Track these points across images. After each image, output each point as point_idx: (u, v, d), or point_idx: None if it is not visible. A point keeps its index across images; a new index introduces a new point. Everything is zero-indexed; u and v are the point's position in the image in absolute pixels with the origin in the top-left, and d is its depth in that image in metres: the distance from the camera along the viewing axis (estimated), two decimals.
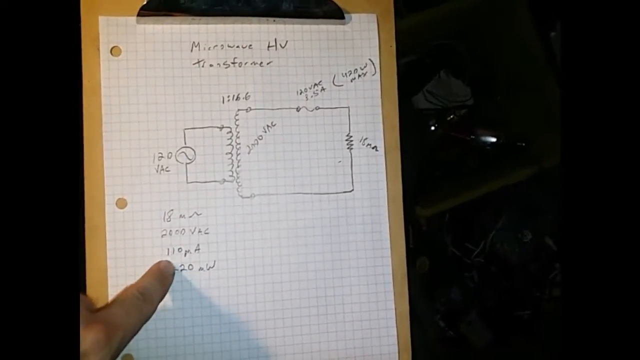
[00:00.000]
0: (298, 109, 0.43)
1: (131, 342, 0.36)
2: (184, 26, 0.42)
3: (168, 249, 0.41)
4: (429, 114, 1.04)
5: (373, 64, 0.45)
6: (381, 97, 0.45)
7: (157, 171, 0.41)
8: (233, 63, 0.43)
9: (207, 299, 0.41)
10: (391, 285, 0.44)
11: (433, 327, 1.02)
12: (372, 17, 0.45)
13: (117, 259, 0.40)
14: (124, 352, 0.38)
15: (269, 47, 0.43)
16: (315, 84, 0.44)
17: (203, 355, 0.41)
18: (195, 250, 0.41)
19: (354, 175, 0.44)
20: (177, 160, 0.41)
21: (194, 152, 0.42)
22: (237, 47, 0.43)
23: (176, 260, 0.41)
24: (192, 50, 0.42)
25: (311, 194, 0.43)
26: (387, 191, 0.44)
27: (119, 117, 0.41)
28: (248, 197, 0.42)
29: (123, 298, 0.37)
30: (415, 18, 0.85)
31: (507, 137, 0.99)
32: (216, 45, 0.42)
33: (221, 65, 0.42)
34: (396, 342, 0.43)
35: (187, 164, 0.41)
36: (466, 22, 0.98)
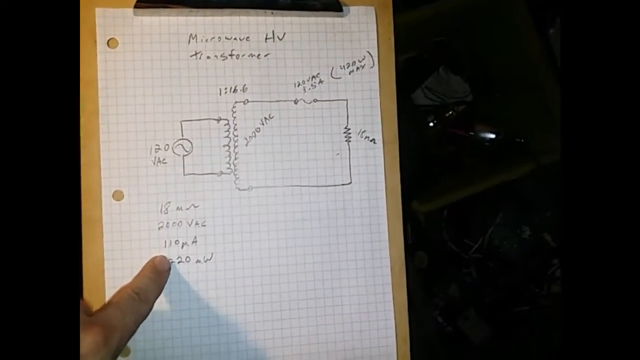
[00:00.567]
0: (296, 102, 0.43)
1: None
2: (181, 18, 0.42)
3: (165, 241, 0.40)
4: (427, 110, 1.04)
5: (371, 56, 0.44)
6: (379, 90, 0.44)
7: (154, 163, 0.41)
8: (230, 55, 0.42)
9: (204, 291, 0.41)
10: (389, 277, 0.44)
11: (431, 323, 1.02)
12: (371, 10, 0.45)
13: (114, 251, 0.40)
14: None
15: (266, 39, 0.43)
16: (313, 77, 0.44)
17: (200, 347, 0.40)
18: (193, 242, 0.41)
19: (352, 168, 0.44)
20: (174, 152, 0.41)
21: (191, 144, 0.41)
22: (235, 39, 0.43)
23: (173, 253, 0.41)
24: (189, 42, 0.42)
25: (309, 186, 0.43)
26: (385, 183, 0.44)
27: (116, 109, 0.41)
28: (245, 190, 0.42)
29: (119, 299, 0.37)
30: (413, 14, 0.84)
31: (506, 133, 0.99)
32: (213, 37, 0.42)
33: (218, 57, 0.42)
34: (394, 334, 0.43)
35: (184, 156, 0.41)
36: (465, 19, 0.98)
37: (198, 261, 0.41)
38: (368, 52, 0.44)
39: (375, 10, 0.45)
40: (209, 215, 0.41)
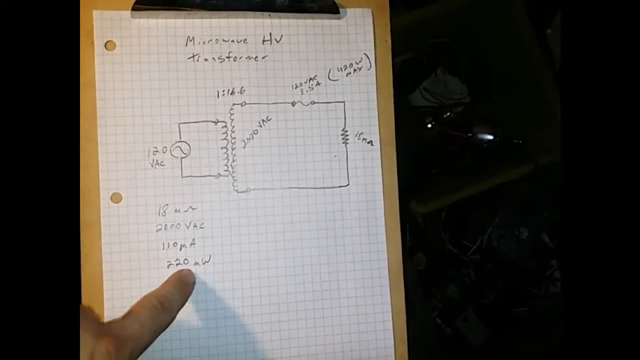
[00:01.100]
0: (293, 104, 0.43)
1: None
2: (179, 20, 0.42)
3: (163, 244, 0.40)
4: (425, 112, 1.05)
5: (368, 58, 0.45)
6: (376, 92, 0.45)
7: (152, 165, 0.41)
8: (228, 57, 0.43)
9: (202, 294, 0.41)
10: (387, 279, 0.44)
11: (430, 324, 1.02)
12: (368, 12, 0.45)
13: (112, 253, 0.40)
14: None
15: (264, 41, 0.43)
16: (311, 79, 0.44)
17: (199, 349, 0.40)
18: (191, 244, 0.41)
19: (349, 170, 0.44)
20: (172, 154, 0.41)
21: (189, 146, 0.42)
22: (232, 41, 0.43)
23: (171, 255, 0.41)
24: (186, 45, 0.42)
25: (307, 188, 0.43)
26: (383, 185, 0.44)
27: (114, 112, 0.41)
28: (243, 192, 0.42)
29: (139, 309, 0.37)
30: (411, 16, 0.85)
31: (504, 134, 0.99)
32: (211, 40, 0.42)
33: (216, 59, 0.42)
34: (392, 336, 0.43)
35: (182, 158, 0.41)
36: (462, 20, 0.98)
37: (196, 263, 0.41)
38: (365, 54, 0.44)
39: (372, 12, 0.45)
40: (207, 217, 0.41)
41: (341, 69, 0.44)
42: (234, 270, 0.41)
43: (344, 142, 0.44)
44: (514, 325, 1.05)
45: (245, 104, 0.43)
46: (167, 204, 0.41)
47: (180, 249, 0.41)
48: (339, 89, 0.44)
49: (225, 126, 0.42)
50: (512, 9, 0.88)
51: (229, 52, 0.43)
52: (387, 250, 0.44)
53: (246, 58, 0.43)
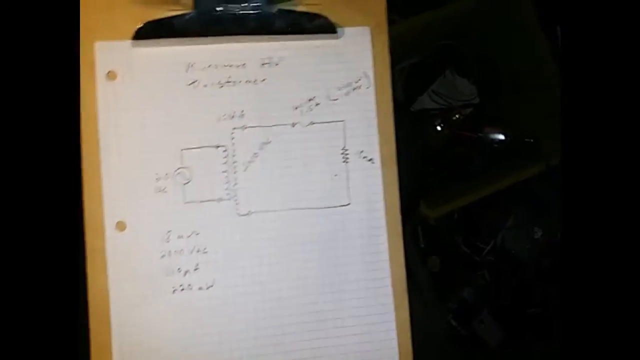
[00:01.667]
0: (293, 125, 0.44)
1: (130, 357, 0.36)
2: (178, 48, 0.43)
3: (167, 270, 0.41)
4: (435, 114, 1.04)
5: (367, 77, 0.45)
6: (376, 109, 0.45)
7: (155, 192, 0.42)
8: (227, 82, 0.43)
9: (207, 318, 0.41)
10: (391, 296, 0.44)
11: (445, 326, 1.02)
12: (366, 30, 0.45)
13: (118, 281, 0.41)
14: None
15: (262, 64, 0.44)
16: (310, 99, 0.44)
17: None
18: (195, 269, 0.42)
19: (350, 189, 0.44)
20: (174, 180, 0.42)
21: (191, 172, 0.42)
22: (231, 66, 0.43)
23: (176, 281, 0.41)
24: (187, 71, 0.43)
25: (308, 209, 0.43)
26: (385, 203, 0.44)
27: (116, 140, 0.41)
28: (245, 215, 0.43)
29: None
30: (417, 20, 0.84)
31: (514, 134, 0.99)
32: (210, 65, 0.43)
33: (215, 84, 0.43)
34: (397, 353, 0.44)
35: (184, 184, 0.42)
36: (470, 22, 0.97)
37: (200, 288, 0.42)
38: (364, 72, 0.45)
39: (370, 31, 0.45)
40: (210, 242, 0.42)
41: (340, 88, 0.44)
42: (238, 294, 0.42)
43: (344, 161, 0.44)
44: (530, 326, 1.05)
45: (246, 127, 0.43)
46: (170, 230, 0.41)
47: (185, 274, 0.41)
48: (339, 108, 0.44)
49: (226, 150, 0.43)
50: (520, 9, 0.87)
51: (229, 77, 0.43)
52: (390, 268, 0.44)
53: (245, 82, 0.43)
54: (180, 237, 0.42)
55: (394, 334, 0.44)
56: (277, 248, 0.43)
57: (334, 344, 0.43)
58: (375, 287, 0.44)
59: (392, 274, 0.44)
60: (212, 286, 0.42)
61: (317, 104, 0.44)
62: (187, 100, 0.42)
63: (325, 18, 0.43)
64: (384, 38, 0.45)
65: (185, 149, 0.42)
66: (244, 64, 0.43)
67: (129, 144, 0.42)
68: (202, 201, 0.42)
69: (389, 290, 0.44)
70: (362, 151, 0.44)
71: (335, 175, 0.44)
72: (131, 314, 0.40)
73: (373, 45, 0.45)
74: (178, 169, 0.42)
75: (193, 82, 0.43)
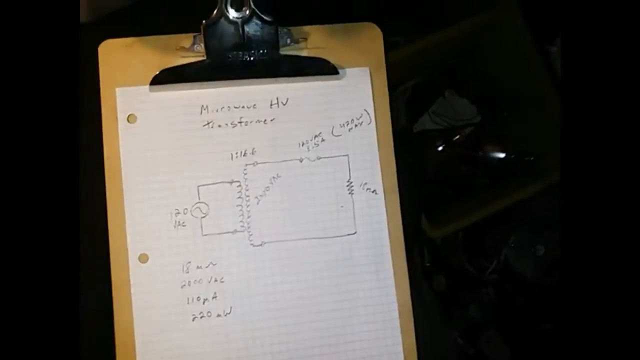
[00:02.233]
0: (301, 160, 0.47)
1: None
2: (193, 91, 0.46)
3: (188, 299, 0.44)
4: (435, 135, 1.07)
5: (368, 113, 0.48)
6: (377, 144, 0.48)
7: (174, 227, 0.45)
8: (239, 122, 0.46)
9: (226, 344, 0.44)
10: (398, 320, 0.46)
11: (452, 346, 1.03)
12: (365, 71, 0.48)
13: (143, 310, 0.43)
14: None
15: (271, 105, 0.47)
16: (316, 136, 0.47)
17: None
18: (213, 298, 0.44)
19: (356, 218, 0.47)
20: (192, 215, 0.45)
21: (208, 206, 0.45)
22: (243, 107, 0.46)
23: (195, 309, 0.44)
24: (201, 113, 0.46)
25: (317, 238, 0.46)
26: (389, 231, 0.47)
27: (138, 178, 0.45)
28: (259, 245, 0.46)
29: None
30: (418, 44, 0.87)
31: (516, 152, 1.01)
32: (223, 107, 0.46)
33: (229, 124, 0.46)
34: None
35: (202, 218, 0.45)
36: (468, 44, 1.00)
37: (219, 315, 0.44)
38: (365, 109, 0.48)
39: (370, 71, 0.48)
40: (227, 271, 0.45)
41: (343, 124, 0.48)
42: (254, 320, 0.45)
43: (349, 193, 0.47)
44: (537, 342, 1.05)
45: (257, 163, 0.46)
46: (189, 262, 0.44)
47: (204, 302, 0.44)
48: (343, 143, 0.47)
49: (240, 185, 0.46)
50: (515, 30, 0.90)
51: (240, 117, 0.46)
52: (396, 293, 0.47)
53: (256, 122, 0.46)
54: (199, 267, 0.44)
55: (401, 357, 0.46)
56: (290, 276, 0.46)
57: None
58: (382, 311, 0.46)
59: (398, 298, 0.47)
60: (229, 313, 0.44)
61: (322, 140, 0.47)
62: (203, 140, 0.46)
63: (328, 61, 0.47)
64: (383, 77, 0.49)
65: (201, 185, 0.45)
66: (254, 105, 0.47)
67: (149, 181, 0.45)
68: (218, 233, 0.45)
69: (396, 314, 0.46)
70: (365, 183, 0.47)
71: (342, 206, 0.47)
72: (154, 341, 0.43)
73: (373, 84, 0.48)
74: (196, 203, 0.45)
75: (208, 123, 0.46)
